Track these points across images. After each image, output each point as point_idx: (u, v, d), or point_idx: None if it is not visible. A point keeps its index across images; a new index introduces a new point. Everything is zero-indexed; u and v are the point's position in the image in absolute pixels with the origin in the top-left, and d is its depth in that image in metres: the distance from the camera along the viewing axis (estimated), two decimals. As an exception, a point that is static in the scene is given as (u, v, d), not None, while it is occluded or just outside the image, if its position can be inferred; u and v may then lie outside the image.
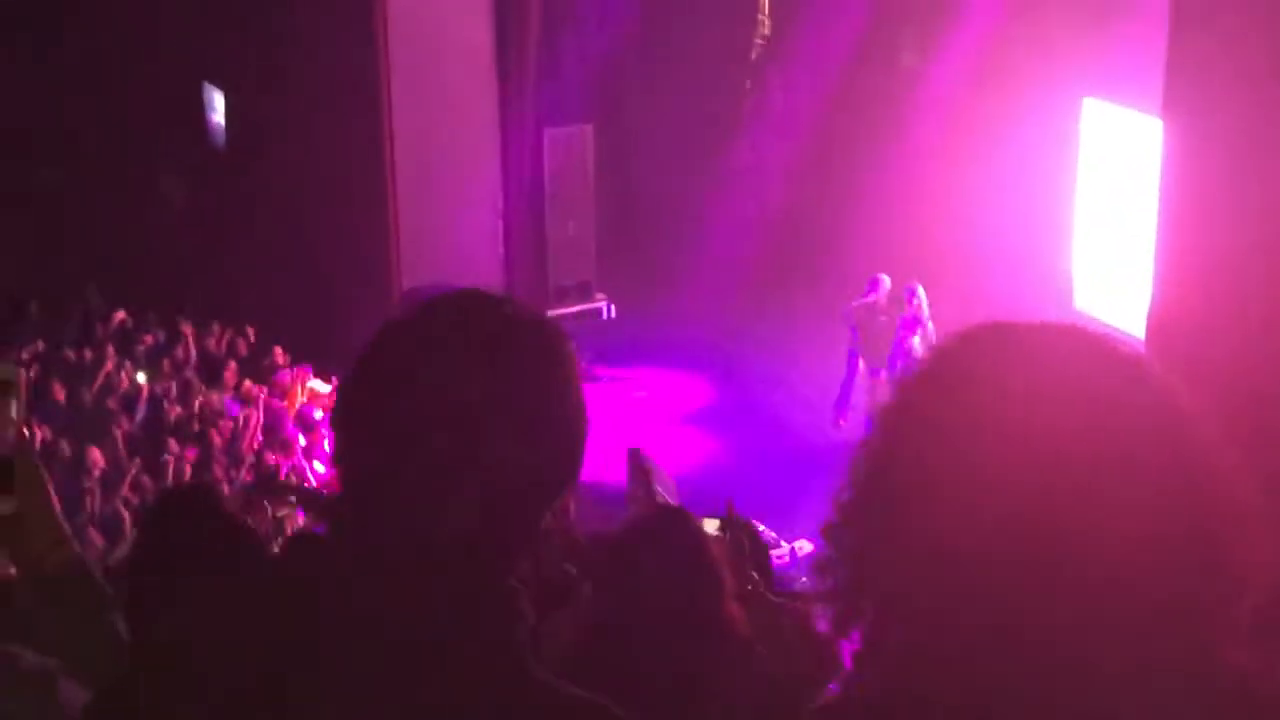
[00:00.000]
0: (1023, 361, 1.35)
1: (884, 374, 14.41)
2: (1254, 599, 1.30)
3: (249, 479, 12.46)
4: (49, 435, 12.06)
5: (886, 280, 14.74)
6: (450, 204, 16.37)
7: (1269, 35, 7.35)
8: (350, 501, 1.78)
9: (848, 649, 1.48)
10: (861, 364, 14.78)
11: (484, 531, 1.73)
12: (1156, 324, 8.09)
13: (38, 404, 12.80)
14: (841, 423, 14.76)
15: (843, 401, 14.83)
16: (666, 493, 13.21)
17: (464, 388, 1.73)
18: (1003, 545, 1.27)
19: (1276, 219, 7.19)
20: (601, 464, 14.07)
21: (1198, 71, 7.93)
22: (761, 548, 6.05)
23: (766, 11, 19.39)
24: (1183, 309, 7.69)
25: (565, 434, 1.81)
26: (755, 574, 4.61)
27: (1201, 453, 1.31)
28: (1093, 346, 1.37)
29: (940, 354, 1.42)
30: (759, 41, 19.41)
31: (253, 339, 15.35)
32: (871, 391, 14.40)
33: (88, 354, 14.23)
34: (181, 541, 3.66)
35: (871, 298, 14.69)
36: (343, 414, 1.83)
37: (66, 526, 2.56)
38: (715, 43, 18.59)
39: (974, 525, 1.28)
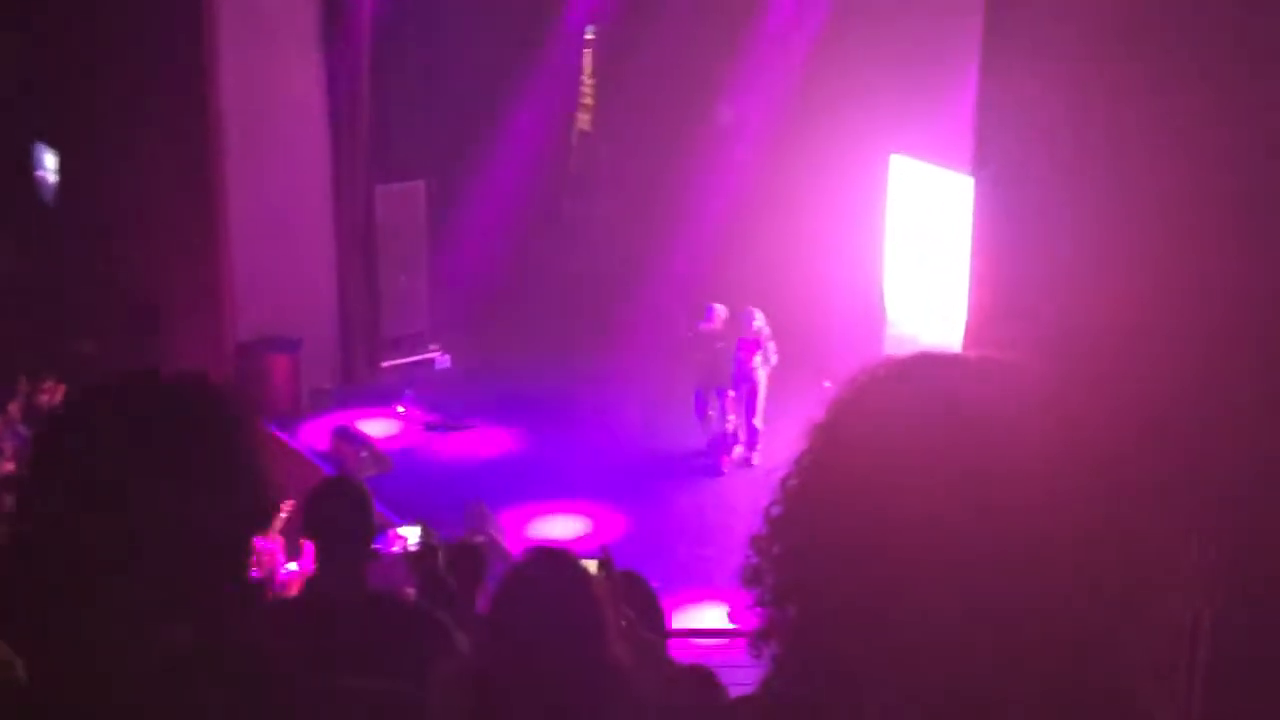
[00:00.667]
0: (938, 389, 1.42)
1: (731, 393, 14.94)
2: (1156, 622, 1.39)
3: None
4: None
5: (721, 308, 15.02)
6: (285, 256, 16.17)
7: (1068, 96, 7.63)
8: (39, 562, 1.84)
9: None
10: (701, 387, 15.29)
11: (178, 594, 1.81)
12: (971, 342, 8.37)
13: None
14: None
15: (701, 412, 15.32)
16: (500, 538, 13.16)
17: (116, 467, 1.80)
18: (908, 553, 1.33)
19: (1076, 262, 7.48)
20: (437, 511, 13.97)
21: (1002, 132, 8.20)
22: (643, 584, 6.06)
23: (589, 74, 19.53)
24: (994, 328, 7.98)
25: (240, 489, 1.87)
26: (632, 613, 4.60)
27: (1094, 467, 1.38)
28: (1000, 376, 1.44)
29: (868, 380, 1.47)
30: (583, 103, 19.54)
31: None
32: (723, 410, 15.01)
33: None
34: None
35: (708, 326, 14.98)
36: (23, 501, 1.95)
37: None
38: (542, 102, 18.65)
39: (885, 536, 1.35)
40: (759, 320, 14.74)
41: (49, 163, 18.40)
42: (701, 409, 15.31)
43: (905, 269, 16.29)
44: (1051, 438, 1.37)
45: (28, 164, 18.55)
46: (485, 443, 15.91)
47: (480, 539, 13.17)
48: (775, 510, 1.46)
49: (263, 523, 1.92)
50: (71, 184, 18.05)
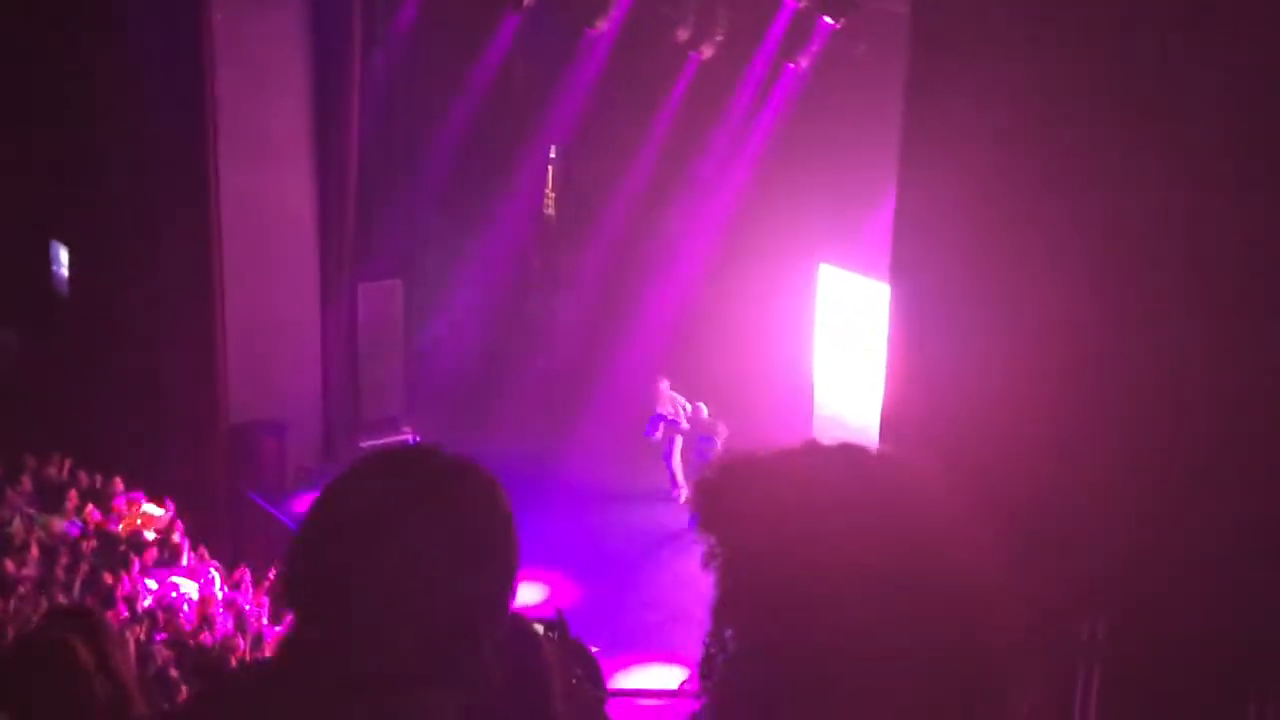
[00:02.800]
0: (782, 489, 1.43)
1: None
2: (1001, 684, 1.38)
3: (90, 600, 11.90)
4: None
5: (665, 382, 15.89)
6: (275, 348, 16.16)
7: (976, 212, 7.77)
8: (302, 634, 1.78)
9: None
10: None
11: (427, 658, 1.73)
12: (888, 418, 8.48)
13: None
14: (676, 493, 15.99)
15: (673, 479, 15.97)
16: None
17: (399, 528, 1.74)
18: (785, 641, 1.36)
19: (973, 352, 7.61)
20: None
21: (917, 243, 8.34)
22: (582, 649, 6.00)
23: (551, 188, 19.69)
24: (907, 406, 8.08)
25: (499, 567, 1.83)
26: (580, 670, 4.55)
27: (939, 542, 1.38)
28: (839, 464, 1.45)
29: (706, 486, 1.48)
30: (547, 212, 19.67)
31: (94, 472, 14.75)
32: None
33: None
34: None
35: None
36: (297, 555, 1.81)
37: None
38: (509, 211, 18.79)
39: (763, 623, 1.38)
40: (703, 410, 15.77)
41: (62, 258, 18.34)
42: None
43: (833, 360, 16.46)
44: (909, 528, 1.38)
45: (44, 258, 18.47)
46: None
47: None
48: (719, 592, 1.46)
49: (510, 598, 1.87)
50: (81, 279, 17.98)
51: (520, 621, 3.83)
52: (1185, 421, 6.71)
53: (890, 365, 8.65)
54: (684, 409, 15.95)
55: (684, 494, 15.78)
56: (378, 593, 1.71)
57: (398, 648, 1.71)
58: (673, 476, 16.06)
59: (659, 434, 16.04)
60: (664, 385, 16.05)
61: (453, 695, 1.78)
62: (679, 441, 15.97)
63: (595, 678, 5.86)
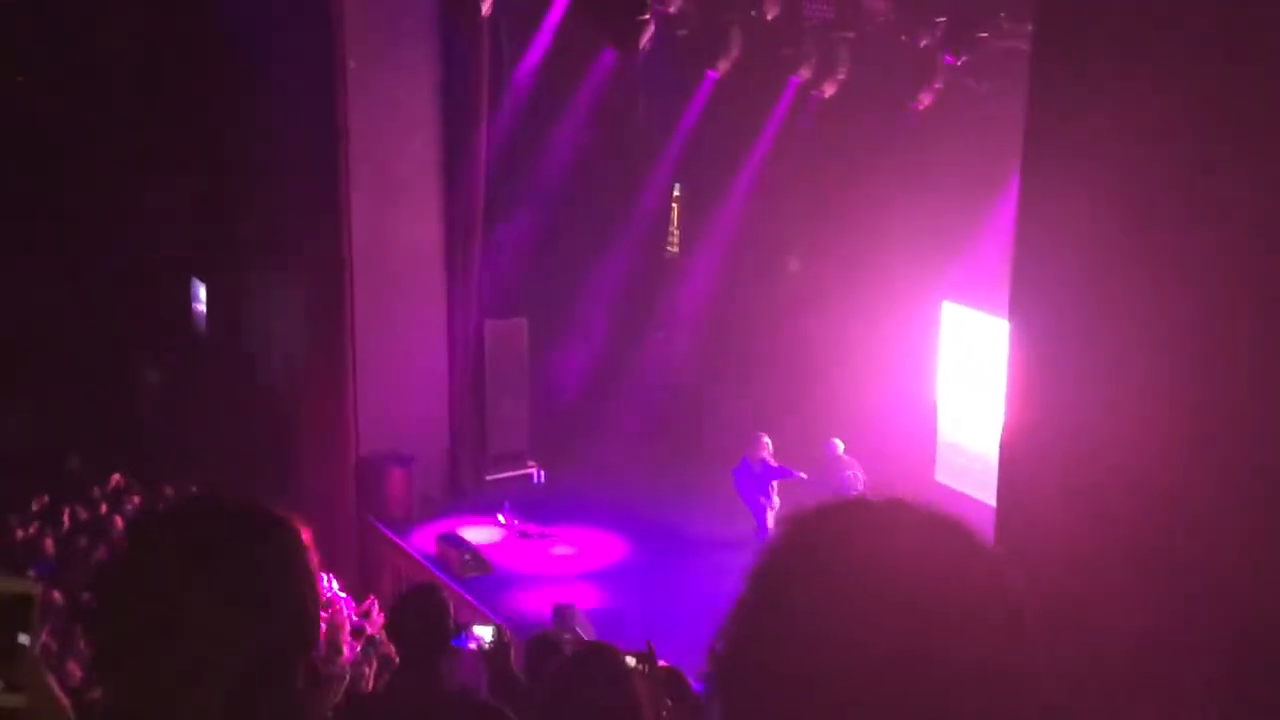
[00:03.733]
0: (866, 537, 1.37)
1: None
2: None
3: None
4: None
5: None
6: (403, 383, 16.42)
7: (1097, 247, 7.62)
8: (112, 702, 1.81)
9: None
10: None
11: (232, 710, 1.74)
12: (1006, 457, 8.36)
13: (31, 558, 12.55)
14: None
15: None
16: (588, 637, 13.09)
17: (180, 593, 1.74)
18: (842, 697, 1.29)
19: (1098, 395, 7.45)
20: (532, 612, 13.95)
21: (1037, 279, 8.20)
22: (681, 679, 6.01)
23: (675, 224, 19.78)
24: (1027, 443, 7.96)
25: (290, 613, 1.81)
26: (670, 702, 4.57)
27: (1017, 610, 1.32)
28: (925, 524, 1.38)
29: (799, 527, 1.42)
30: (669, 249, 19.75)
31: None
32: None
33: (81, 511, 14.01)
34: None
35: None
36: (96, 627, 1.83)
37: None
38: (631, 248, 18.91)
39: (814, 695, 1.31)
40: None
41: (201, 295, 18.87)
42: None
43: (957, 396, 16.30)
44: (974, 596, 1.32)
45: (185, 296, 19.02)
46: (577, 548, 15.91)
47: (566, 636, 13.14)
48: (717, 647, 1.43)
49: (311, 643, 1.84)
50: (219, 315, 18.48)
51: (611, 654, 3.85)
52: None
53: (1009, 406, 8.51)
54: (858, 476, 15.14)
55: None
56: (174, 658, 1.72)
57: (202, 709, 1.72)
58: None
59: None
60: (839, 447, 15.37)
61: None
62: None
63: (693, 705, 5.85)
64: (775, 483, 15.23)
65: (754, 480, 15.28)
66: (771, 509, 15.34)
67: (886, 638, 1.27)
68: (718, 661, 1.40)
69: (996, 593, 1.32)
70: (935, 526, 1.37)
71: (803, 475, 15.03)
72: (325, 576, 14.12)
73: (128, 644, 1.76)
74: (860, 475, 14.98)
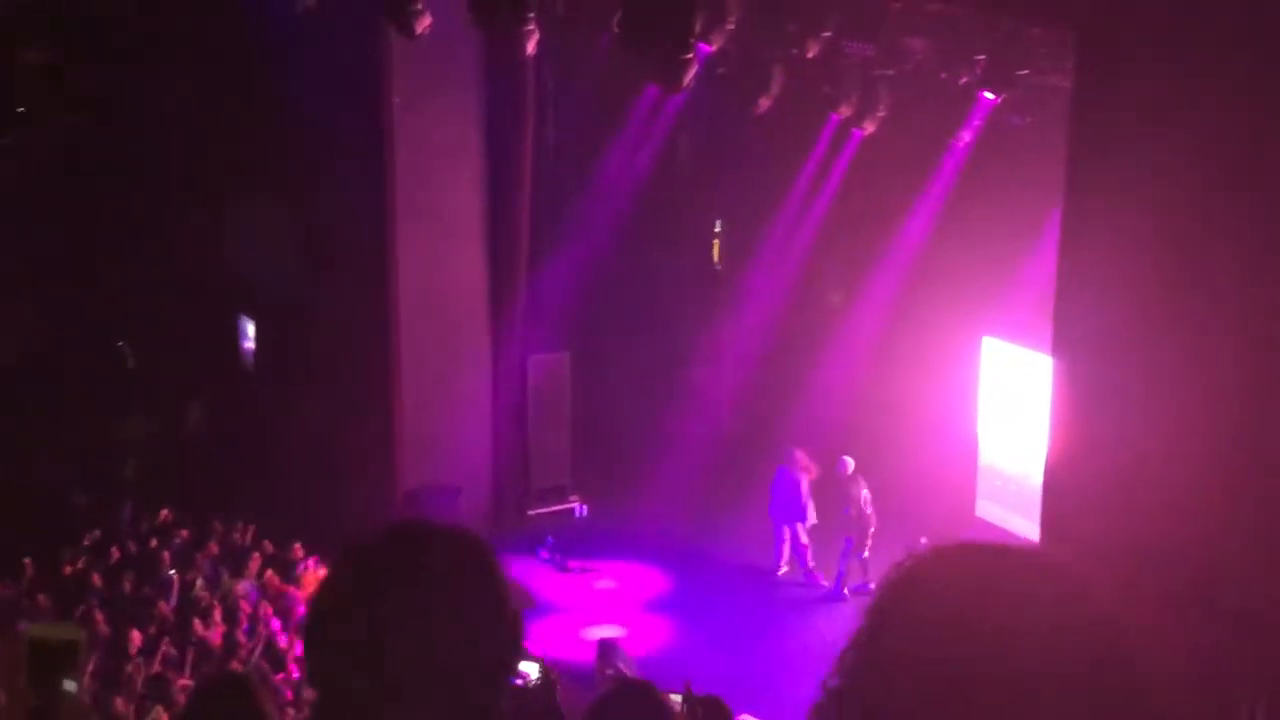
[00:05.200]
0: (983, 585, 1.37)
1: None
2: None
3: (264, 662, 12.26)
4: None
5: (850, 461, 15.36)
6: (448, 418, 16.53)
7: (1138, 282, 7.64)
8: (325, 711, 1.85)
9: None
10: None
11: None
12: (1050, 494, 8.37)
13: (80, 592, 12.71)
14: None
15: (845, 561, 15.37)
16: (631, 673, 13.10)
17: (413, 612, 1.80)
18: None
19: (1142, 428, 7.45)
20: (574, 646, 13.98)
21: (1081, 316, 8.23)
22: (724, 712, 6.03)
23: (718, 260, 19.84)
24: (1070, 480, 7.96)
25: (502, 633, 1.87)
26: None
27: (1132, 669, 1.34)
28: (1038, 572, 1.40)
29: (916, 571, 1.43)
30: (712, 285, 19.79)
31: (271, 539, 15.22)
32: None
33: (131, 546, 14.17)
34: None
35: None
36: (313, 635, 1.88)
37: None
38: (673, 282, 18.99)
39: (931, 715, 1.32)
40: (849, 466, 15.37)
41: (249, 331, 19.06)
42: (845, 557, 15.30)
43: (998, 427, 16.32)
44: (1088, 634, 1.34)
45: (232, 332, 19.22)
46: (620, 582, 15.93)
47: (608, 673, 13.15)
48: (832, 683, 1.42)
49: (512, 664, 1.90)
50: (266, 351, 18.67)
51: (651, 691, 3.87)
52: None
53: (1053, 438, 8.52)
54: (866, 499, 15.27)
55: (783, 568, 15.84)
56: (398, 668, 1.77)
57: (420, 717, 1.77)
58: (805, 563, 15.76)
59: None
60: (850, 466, 15.43)
61: None
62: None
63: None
64: (809, 506, 15.58)
65: (786, 496, 15.62)
66: (804, 536, 15.59)
67: (987, 680, 1.29)
68: (830, 694, 1.41)
69: (1101, 640, 1.34)
70: (1045, 572, 1.39)
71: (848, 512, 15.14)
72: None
73: (337, 663, 1.81)
74: (868, 494, 15.13)
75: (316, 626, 1.88)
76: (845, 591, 15.18)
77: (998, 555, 1.41)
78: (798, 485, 15.62)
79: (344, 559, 1.91)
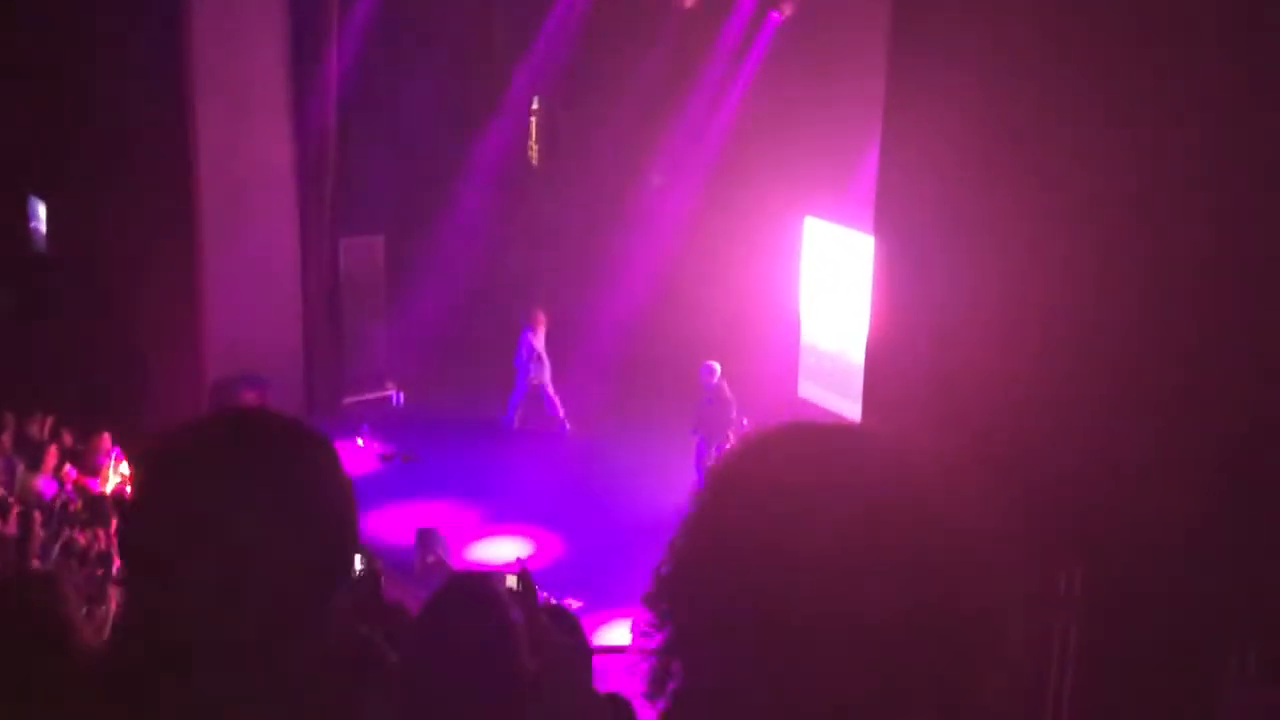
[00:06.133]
0: (806, 460, 1.41)
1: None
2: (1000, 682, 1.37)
3: (64, 559, 11.87)
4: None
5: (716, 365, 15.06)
6: (255, 302, 16.09)
7: (952, 172, 7.75)
8: (140, 607, 1.77)
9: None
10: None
11: (272, 626, 1.71)
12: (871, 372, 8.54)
13: None
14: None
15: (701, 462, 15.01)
16: (450, 560, 13.10)
17: (229, 509, 1.71)
18: (776, 619, 1.32)
19: (957, 301, 7.62)
20: (393, 535, 13.89)
21: (900, 196, 8.33)
22: (569, 616, 6.03)
23: (534, 139, 19.58)
24: (891, 360, 8.14)
25: (333, 531, 1.79)
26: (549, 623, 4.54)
27: (944, 533, 1.37)
28: (859, 445, 1.44)
29: (739, 454, 1.47)
30: (530, 164, 19.56)
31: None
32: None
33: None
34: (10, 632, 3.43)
35: (711, 382, 15.02)
36: (126, 535, 1.80)
37: None
38: (490, 163, 18.71)
39: (753, 601, 1.34)
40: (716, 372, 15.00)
41: (40, 213, 18.23)
42: (701, 458, 14.92)
43: (819, 306, 16.52)
44: (909, 493, 1.38)
45: (23, 215, 18.36)
46: (436, 472, 15.85)
47: (431, 560, 13.13)
48: (663, 570, 1.45)
49: (349, 565, 1.82)
50: (60, 235, 17.89)
51: (483, 579, 3.82)
52: (1171, 368, 6.70)
53: (873, 317, 8.66)
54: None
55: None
56: (211, 569, 1.69)
57: (237, 623, 1.70)
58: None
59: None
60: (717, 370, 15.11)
61: (297, 661, 1.75)
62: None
63: (570, 630, 5.87)
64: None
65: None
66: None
67: (816, 545, 1.32)
68: (663, 580, 1.44)
69: (919, 506, 1.37)
70: (865, 444, 1.44)
71: None
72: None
73: (162, 553, 1.70)
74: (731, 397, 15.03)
75: (126, 525, 1.79)
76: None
77: (820, 433, 1.46)
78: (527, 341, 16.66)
79: (153, 453, 1.80)
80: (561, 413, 16.80)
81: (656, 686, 1.43)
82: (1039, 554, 6.64)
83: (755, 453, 1.45)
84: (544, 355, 16.80)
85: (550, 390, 16.82)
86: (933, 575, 1.33)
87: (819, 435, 1.45)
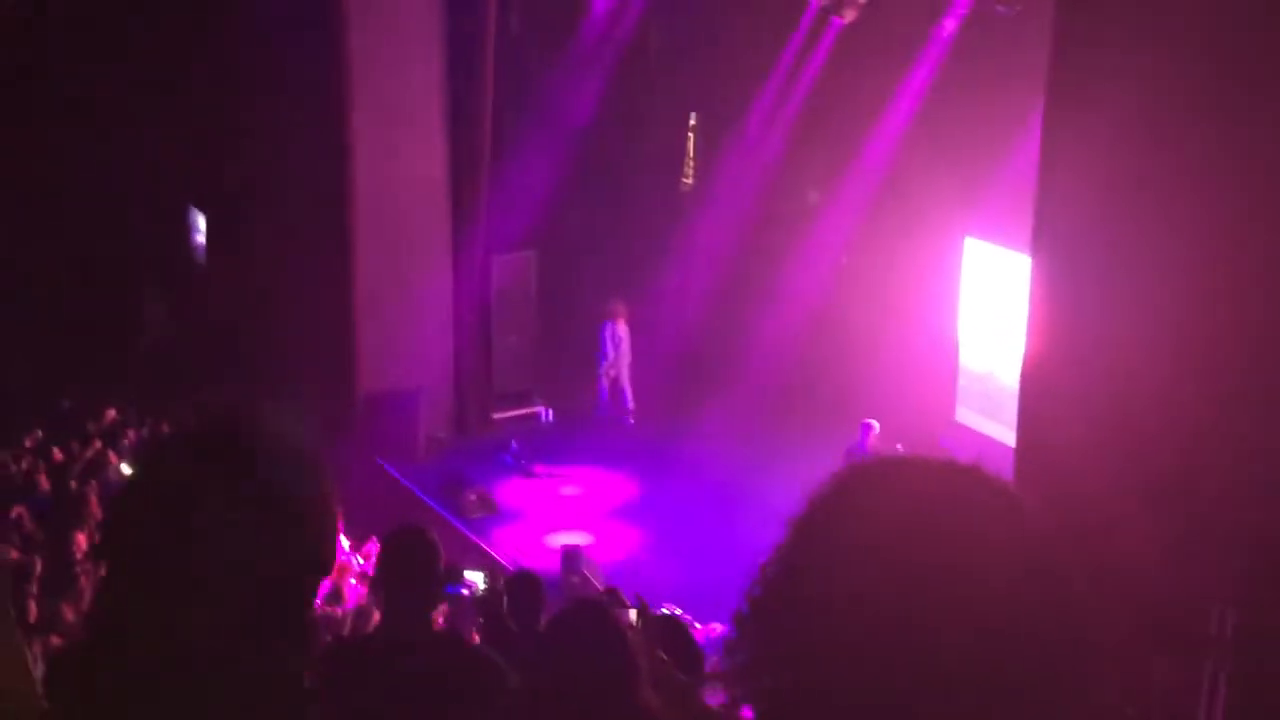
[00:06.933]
0: (907, 495, 1.40)
1: None
2: None
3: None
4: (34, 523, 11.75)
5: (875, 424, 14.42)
6: (408, 317, 16.33)
7: (1113, 193, 7.54)
8: (114, 605, 1.77)
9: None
10: None
11: (244, 635, 1.72)
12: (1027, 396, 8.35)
13: (27, 496, 12.55)
14: None
15: None
16: (596, 581, 13.08)
17: (208, 511, 1.71)
18: (872, 650, 1.32)
19: (1118, 327, 7.41)
20: (539, 554, 13.95)
21: (1059, 217, 8.13)
22: (682, 630, 5.96)
23: (692, 155, 19.54)
24: (1048, 381, 7.96)
25: (310, 534, 1.78)
26: (664, 655, 4.50)
27: (1057, 580, 1.36)
28: (964, 483, 1.42)
29: (841, 483, 1.46)
30: (685, 181, 19.51)
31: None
32: None
33: (75, 446, 13.99)
34: None
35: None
36: (105, 549, 1.82)
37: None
38: (645, 180, 18.73)
39: (851, 632, 1.33)
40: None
41: (200, 225, 18.78)
42: None
43: (978, 330, 16.18)
44: (1015, 541, 1.37)
45: (183, 227, 18.93)
46: (585, 488, 15.88)
47: (575, 580, 13.13)
48: (754, 593, 1.45)
49: (326, 568, 1.83)
50: (218, 246, 18.39)
51: (605, 611, 3.77)
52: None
53: (1030, 339, 8.47)
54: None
55: None
56: (185, 568, 1.70)
57: (208, 624, 1.70)
58: None
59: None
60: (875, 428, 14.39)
61: (272, 664, 1.75)
62: None
63: (694, 660, 5.78)
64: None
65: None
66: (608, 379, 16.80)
67: (907, 577, 1.33)
68: (752, 602, 1.45)
69: (1016, 537, 1.37)
70: (961, 475, 1.43)
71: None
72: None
73: (137, 551, 1.73)
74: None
75: (107, 523, 1.83)
76: None
77: (924, 468, 1.45)
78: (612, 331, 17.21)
79: (146, 454, 1.85)
80: (632, 405, 17.26)
81: (734, 706, 1.46)
82: (1194, 585, 6.38)
83: (853, 484, 1.44)
84: (624, 347, 17.28)
85: (626, 382, 17.28)
86: (1036, 625, 1.33)
87: (920, 469, 1.45)
